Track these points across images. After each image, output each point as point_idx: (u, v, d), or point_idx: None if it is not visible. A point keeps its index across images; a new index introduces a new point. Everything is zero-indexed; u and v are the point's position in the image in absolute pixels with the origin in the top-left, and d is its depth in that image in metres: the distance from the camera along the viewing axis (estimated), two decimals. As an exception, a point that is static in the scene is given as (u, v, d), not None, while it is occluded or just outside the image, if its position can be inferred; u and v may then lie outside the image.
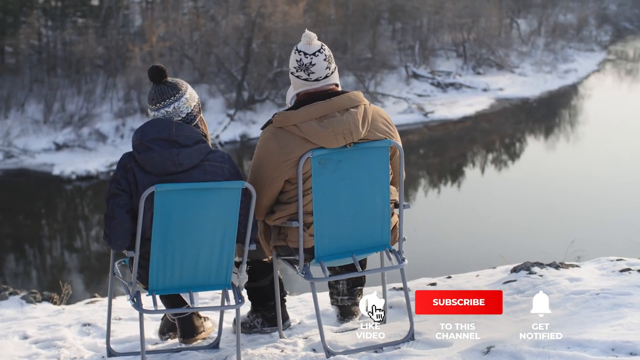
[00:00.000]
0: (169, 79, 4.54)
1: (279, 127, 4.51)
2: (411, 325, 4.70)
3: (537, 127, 41.29)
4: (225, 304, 4.77)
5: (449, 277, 5.98)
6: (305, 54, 4.57)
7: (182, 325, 5.06)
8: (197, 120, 4.60)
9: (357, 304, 5.25)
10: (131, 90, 41.53)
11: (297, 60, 4.60)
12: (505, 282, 5.52)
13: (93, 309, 6.25)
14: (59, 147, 37.88)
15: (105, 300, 6.12)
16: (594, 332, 4.32)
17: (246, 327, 5.27)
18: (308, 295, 5.91)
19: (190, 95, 4.58)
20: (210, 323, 5.25)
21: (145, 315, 5.51)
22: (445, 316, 4.67)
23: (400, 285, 5.67)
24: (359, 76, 45.81)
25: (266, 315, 5.21)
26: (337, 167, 4.48)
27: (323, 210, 4.53)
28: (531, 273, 5.57)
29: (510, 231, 22.64)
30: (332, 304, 5.29)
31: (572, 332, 4.38)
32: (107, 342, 4.89)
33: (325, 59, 4.60)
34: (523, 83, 48.93)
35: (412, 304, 4.70)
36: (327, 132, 4.41)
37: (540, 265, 5.68)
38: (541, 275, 5.49)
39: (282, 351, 4.81)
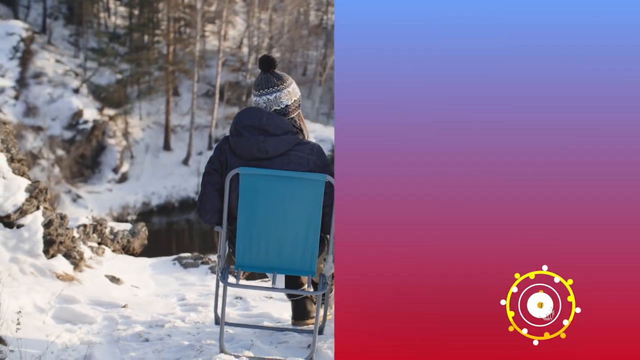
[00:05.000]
0: (277, 71, 4.83)
1: None
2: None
3: None
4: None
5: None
6: None
7: (295, 307, 5.29)
8: (295, 115, 4.84)
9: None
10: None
11: None
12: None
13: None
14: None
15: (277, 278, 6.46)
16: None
17: None
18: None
19: (293, 90, 4.82)
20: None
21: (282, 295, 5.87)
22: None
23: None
24: None
25: None
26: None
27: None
28: None
29: None
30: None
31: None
32: (215, 310, 5.24)
33: None
34: None
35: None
36: None
37: None
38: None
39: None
